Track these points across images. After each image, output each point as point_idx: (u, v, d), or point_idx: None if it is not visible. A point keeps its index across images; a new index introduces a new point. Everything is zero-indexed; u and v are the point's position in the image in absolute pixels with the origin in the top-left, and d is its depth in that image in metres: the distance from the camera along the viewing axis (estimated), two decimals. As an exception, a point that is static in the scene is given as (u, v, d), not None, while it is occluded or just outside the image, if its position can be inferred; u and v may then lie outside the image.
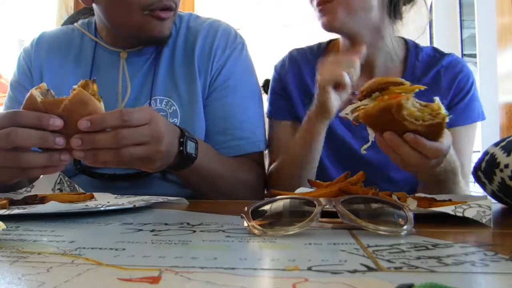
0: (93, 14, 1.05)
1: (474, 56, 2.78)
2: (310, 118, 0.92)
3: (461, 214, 0.48)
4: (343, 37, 1.03)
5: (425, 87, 0.63)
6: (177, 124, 0.88)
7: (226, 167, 0.89)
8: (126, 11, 0.88)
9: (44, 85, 0.65)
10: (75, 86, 0.64)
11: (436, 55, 1.05)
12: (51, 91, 0.65)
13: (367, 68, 1.02)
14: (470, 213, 0.48)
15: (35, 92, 0.63)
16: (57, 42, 1.04)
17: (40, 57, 1.02)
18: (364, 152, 0.71)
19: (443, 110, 0.59)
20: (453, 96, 1.01)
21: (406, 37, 1.09)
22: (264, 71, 1.07)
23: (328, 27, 0.96)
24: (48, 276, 0.29)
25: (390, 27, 1.02)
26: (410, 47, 1.07)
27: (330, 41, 1.13)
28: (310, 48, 1.14)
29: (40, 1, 2.33)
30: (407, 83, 0.63)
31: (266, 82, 1.21)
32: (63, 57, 1.01)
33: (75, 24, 1.07)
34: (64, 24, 1.19)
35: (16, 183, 0.84)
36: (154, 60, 0.98)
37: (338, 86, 0.86)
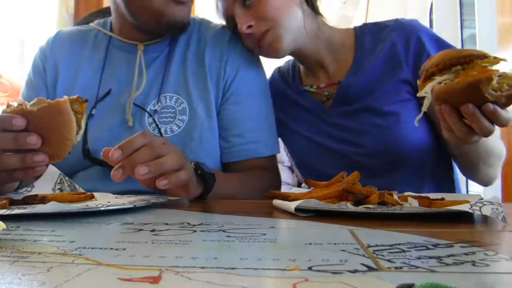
0: (106, 16, 1.08)
1: (474, 56, 2.78)
2: None
3: (479, 212, 0.48)
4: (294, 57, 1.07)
5: (506, 59, 0.62)
6: (185, 122, 0.93)
7: (238, 184, 0.92)
8: None
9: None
10: (66, 96, 0.66)
11: (381, 23, 1.04)
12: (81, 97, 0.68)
13: (320, 67, 1.04)
14: (486, 211, 0.48)
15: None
16: (72, 40, 1.06)
17: (55, 55, 1.04)
18: (417, 124, 0.73)
19: None
20: (415, 62, 0.95)
21: None
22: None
23: (277, 56, 0.98)
24: (49, 276, 0.29)
25: (316, 20, 1.01)
26: (357, 28, 1.06)
27: None
28: (288, 66, 1.16)
29: (40, 1, 2.34)
30: (490, 55, 0.62)
31: None
32: (78, 54, 1.03)
33: (91, 23, 1.09)
34: (77, 25, 1.21)
35: (18, 183, 0.85)
36: (167, 56, 1.00)
37: None
